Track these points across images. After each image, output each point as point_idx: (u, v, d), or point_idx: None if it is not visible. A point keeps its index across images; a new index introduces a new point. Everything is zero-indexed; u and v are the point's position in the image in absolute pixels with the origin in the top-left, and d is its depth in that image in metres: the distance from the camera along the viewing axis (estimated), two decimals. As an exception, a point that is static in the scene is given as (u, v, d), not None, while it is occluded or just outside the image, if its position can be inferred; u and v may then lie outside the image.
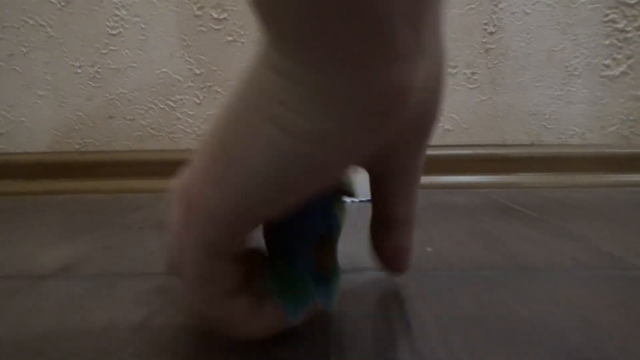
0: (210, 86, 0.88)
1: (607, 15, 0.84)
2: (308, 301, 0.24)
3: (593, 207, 0.67)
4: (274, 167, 0.17)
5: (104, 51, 0.87)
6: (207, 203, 0.18)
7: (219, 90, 0.88)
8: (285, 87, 0.17)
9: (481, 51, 0.85)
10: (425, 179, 0.85)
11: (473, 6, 0.84)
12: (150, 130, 0.89)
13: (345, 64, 0.15)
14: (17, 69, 0.89)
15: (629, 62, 0.85)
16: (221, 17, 0.86)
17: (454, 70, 0.86)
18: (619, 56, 0.85)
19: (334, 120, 0.16)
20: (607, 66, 0.85)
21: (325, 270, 0.25)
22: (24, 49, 0.88)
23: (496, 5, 0.84)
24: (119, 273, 0.40)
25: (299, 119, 0.16)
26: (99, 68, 0.88)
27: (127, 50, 0.87)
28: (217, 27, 0.86)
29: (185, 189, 0.20)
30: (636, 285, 0.35)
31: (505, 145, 0.87)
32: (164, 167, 0.88)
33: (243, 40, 0.86)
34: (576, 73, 0.85)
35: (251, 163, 0.17)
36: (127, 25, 0.87)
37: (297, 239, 0.25)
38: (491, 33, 0.85)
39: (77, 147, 0.90)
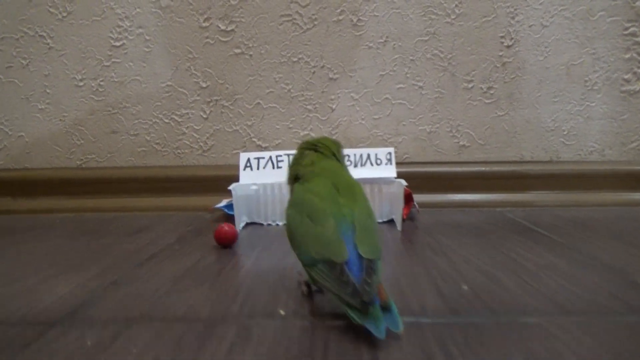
0: (217, 100, 0.85)
1: (627, 28, 0.81)
2: (383, 322, 0.31)
3: (616, 229, 0.64)
4: None
5: (106, 63, 0.84)
6: None
7: (226, 104, 0.85)
8: None
9: (498, 65, 0.82)
10: (439, 197, 0.82)
11: (489, 18, 0.81)
12: (154, 146, 0.86)
13: None
14: (16, 81, 0.85)
15: (649, 76, 0.82)
16: (229, 28, 0.83)
17: (470, 85, 0.83)
18: None
19: None
20: (628, 81, 0.82)
21: (386, 301, 0.32)
22: (23, 61, 0.85)
23: (513, 18, 0.81)
24: (132, 318, 0.36)
25: None
26: (102, 81, 0.85)
27: (130, 63, 0.84)
28: (224, 39, 0.83)
29: None
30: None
31: (522, 162, 0.84)
32: (169, 184, 0.84)
33: (251, 52, 0.83)
34: (595, 88, 0.83)
35: None
36: (130, 37, 0.83)
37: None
38: (508, 46, 0.82)
39: (78, 163, 0.87)
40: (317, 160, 0.43)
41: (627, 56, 0.82)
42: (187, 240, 0.62)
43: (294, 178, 0.44)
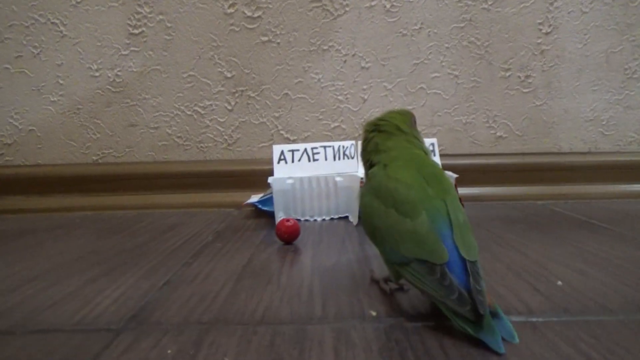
0: (242, 91, 0.80)
1: (667, 14, 0.79)
2: (498, 332, 0.27)
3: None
4: None
5: (124, 52, 0.79)
6: None
7: (253, 95, 0.80)
8: None
9: (536, 53, 0.79)
10: (477, 189, 0.79)
11: (527, 4, 0.78)
12: (176, 139, 0.81)
13: None
14: (27, 71, 0.80)
15: (689, 64, 0.80)
16: (255, 15, 0.78)
17: (507, 74, 0.80)
18: (679, 58, 0.80)
19: None
20: (668, 69, 0.80)
21: (493, 307, 0.29)
22: (33, 50, 0.79)
23: (551, 4, 0.78)
24: (207, 322, 0.32)
25: None
26: (119, 71, 0.80)
27: (150, 52, 0.79)
28: (250, 26, 0.79)
29: None
30: None
31: (560, 154, 0.82)
32: (192, 179, 0.80)
33: (279, 40, 0.79)
34: (635, 76, 0.80)
35: None
36: (150, 24, 0.79)
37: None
38: (546, 33, 0.79)
39: (94, 158, 0.81)
40: (381, 142, 0.38)
41: (667, 43, 0.80)
42: (227, 238, 0.58)
43: (369, 165, 0.40)
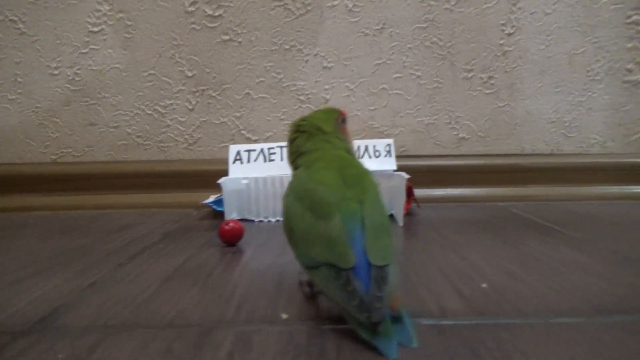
0: (203, 90, 0.79)
1: (630, 16, 0.79)
2: (394, 338, 0.27)
3: (627, 222, 0.61)
4: None
5: (83, 50, 0.78)
6: None
7: (214, 94, 0.80)
8: None
9: (498, 54, 0.79)
10: (439, 191, 0.78)
11: (490, 5, 0.78)
12: (136, 139, 0.80)
13: None
14: (-16, 69, 0.79)
15: (652, 66, 0.80)
16: (216, 13, 0.78)
17: (470, 75, 0.79)
18: (642, 60, 0.80)
19: None
20: (630, 71, 0.80)
21: (397, 312, 0.29)
22: (-8, 48, 0.78)
23: (514, 5, 0.78)
24: (113, 326, 0.31)
25: None
26: (78, 69, 0.79)
27: (110, 50, 0.78)
28: (211, 24, 0.78)
29: None
30: None
31: (523, 155, 0.81)
32: (153, 179, 0.79)
33: (240, 39, 0.78)
34: (598, 78, 0.80)
35: None
36: (110, 22, 0.78)
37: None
38: (509, 34, 0.79)
39: (53, 157, 0.81)
40: (302, 143, 0.38)
41: (629, 45, 0.79)
42: (174, 239, 0.57)
43: (294, 167, 0.39)
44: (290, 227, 0.34)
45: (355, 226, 0.30)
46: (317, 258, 0.30)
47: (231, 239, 0.52)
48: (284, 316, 0.33)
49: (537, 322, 0.31)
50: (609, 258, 0.46)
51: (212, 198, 0.71)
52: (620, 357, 0.26)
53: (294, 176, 0.37)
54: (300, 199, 0.33)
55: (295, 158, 0.38)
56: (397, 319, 0.28)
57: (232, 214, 0.65)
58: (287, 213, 0.34)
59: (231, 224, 0.52)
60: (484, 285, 0.38)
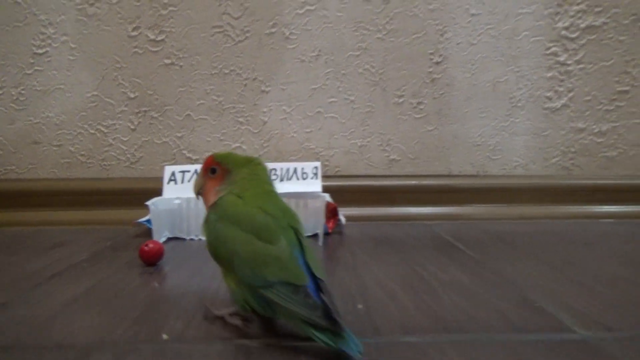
0: (146, 111, 0.83)
1: (549, 48, 0.85)
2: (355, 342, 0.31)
3: (533, 243, 0.66)
4: None
5: (28, 71, 0.81)
6: None
7: (155, 115, 0.83)
8: None
9: (427, 81, 0.84)
10: (371, 211, 0.83)
11: (419, 35, 0.83)
12: (79, 157, 0.83)
13: None
14: None
15: (570, 95, 0.86)
16: (158, 38, 0.81)
17: (400, 100, 0.84)
18: (561, 89, 0.86)
19: None
20: (549, 98, 0.86)
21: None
22: (-63, 67, 0.80)
23: (442, 35, 0.83)
24: (6, 346, 0.34)
25: None
26: (23, 89, 0.81)
27: (54, 71, 0.81)
28: (154, 49, 0.81)
29: None
30: (566, 352, 0.33)
31: (450, 176, 0.86)
32: (95, 197, 0.82)
33: (182, 63, 0.82)
34: (520, 105, 0.86)
35: None
36: (54, 44, 0.81)
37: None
38: (437, 63, 0.84)
39: (-4, 174, 0.83)
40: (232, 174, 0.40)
41: (549, 75, 0.85)
42: (101, 257, 0.60)
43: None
44: (228, 251, 0.36)
45: (296, 248, 0.35)
46: (270, 278, 0.33)
47: (150, 260, 0.55)
48: (165, 336, 0.36)
49: (385, 341, 0.35)
50: (488, 279, 0.50)
51: (147, 216, 0.74)
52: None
53: (224, 201, 0.39)
54: (236, 223, 0.36)
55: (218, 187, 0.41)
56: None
57: (163, 233, 0.68)
58: (223, 237, 0.37)
59: (150, 245, 0.55)
60: (359, 306, 0.42)
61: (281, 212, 0.37)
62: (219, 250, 0.37)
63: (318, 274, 0.34)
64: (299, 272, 0.33)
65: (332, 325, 0.31)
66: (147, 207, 0.67)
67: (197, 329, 0.37)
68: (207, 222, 0.39)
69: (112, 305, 0.43)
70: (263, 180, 0.41)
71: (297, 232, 0.36)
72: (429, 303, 0.43)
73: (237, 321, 0.38)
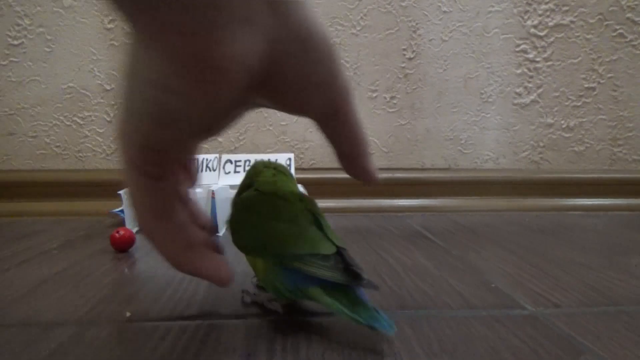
0: (122, 103, 0.83)
1: (518, 45, 0.87)
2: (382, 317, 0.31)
3: (498, 234, 0.68)
4: (148, 104, 0.23)
5: (3, 62, 0.81)
6: (121, 130, 0.25)
7: (132, 107, 0.83)
8: (144, 54, 0.22)
9: (400, 76, 0.86)
10: (345, 202, 0.84)
11: (392, 31, 0.85)
12: (54, 149, 0.83)
13: (167, 36, 0.20)
14: None
15: (539, 91, 0.88)
16: (134, 31, 0.82)
17: (374, 94, 0.86)
18: (530, 85, 0.88)
19: (176, 76, 0.21)
20: (519, 94, 0.88)
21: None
22: None
23: (414, 32, 0.85)
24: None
25: (155, 75, 0.21)
26: (-2, 80, 0.81)
27: (29, 63, 0.81)
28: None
29: (117, 123, 0.26)
30: (515, 324, 0.35)
31: (423, 169, 0.88)
32: (71, 188, 0.82)
33: (158, 56, 0.82)
34: (490, 100, 0.88)
35: (137, 102, 0.23)
36: (30, 36, 0.81)
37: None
38: (410, 59, 0.86)
39: (-30, 165, 0.82)
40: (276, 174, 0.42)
41: (518, 71, 0.88)
42: (72, 245, 0.61)
43: (247, 187, 0.42)
44: (254, 236, 0.37)
45: (314, 226, 0.36)
46: (299, 251, 0.34)
47: (121, 246, 0.56)
48: (128, 314, 0.37)
49: (327, 320, 0.36)
50: (451, 264, 0.52)
51: (121, 207, 0.75)
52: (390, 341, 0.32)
53: (242, 198, 0.40)
54: (258, 211, 0.37)
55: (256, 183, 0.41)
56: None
57: (134, 222, 0.69)
58: (249, 224, 0.37)
59: (121, 232, 0.56)
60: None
61: (297, 198, 0.38)
62: (244, 238, 0.37)
63: (340, 243, 0.35)
64: (326, 242, 0.34)
65: (367, 284, 0.32)
66: (120, 196, 0.67)
67: (161, 308, 0.38)
68: (230, 217, 0.39)
69: (79, 287, 0.44)
70: (281, 179, 0.41)
71: (314, 214, 0.37)
72: (390, 284, 0.44)
73: (276, 306, 0.38)
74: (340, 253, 0.34)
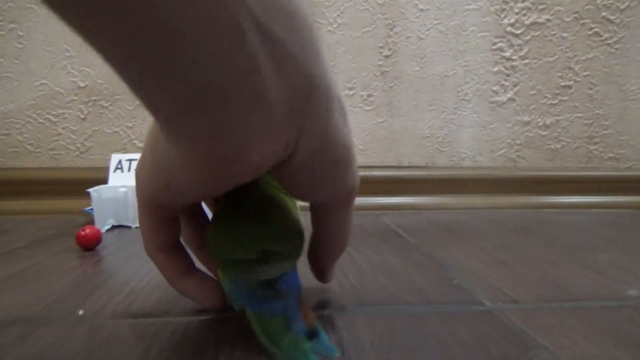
0: (95, 100, 0.82)
1: (495, 43, 0.87)
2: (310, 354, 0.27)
3: (471, 231, 0.69)
4: (162, 173, 0.25)
5: (-26, 59, 0.80)
6: (140, 176, 0.28)
7: (106, 105, 0.82)
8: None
9: (377, 74, 0.86)
10: (322, 200, 0.84)
11: (369, 29, 0.85)
12: (27, 147, 0.82)
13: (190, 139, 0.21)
14: None
15: (516, 89, 0.89)
16: (108, 28, 0.81)
17: (351, 92, 0.86)
18: (507, 83, 0.89)
19: (194, 164, 0.22)
20: (496, 92, 0.88)
21: (311, 324, 0.29)
22: None
23: (391, 29, 0.85)
24: None
25: (174, 151, 0.22)
26: (-32, 77, 0.80)
27: (1, 59, 0.80)
28: (104, 38, 0.81)
29: (138, 163, 0.29)
30: (470, 320, 0.35)
31: (401, 167, 0.88)
32: (42, 186, 0.81)
33: (132, 53, 0.82)
34: (467, 98, 0.88)
35: (155, 161, 0.26)
36: (1, 32, 0.80)
37: (287, 294, 0.30)
38: (387, 56, 0.86)
39: (-60, 163, 0.81)
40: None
41: (495, 69, 0.88)
42: (41, 244, 0.60)
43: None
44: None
45: None
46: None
47: (87, 244, 0.55)
48: (81, 312, 0.36)
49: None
50: (417, 261, 0.52)
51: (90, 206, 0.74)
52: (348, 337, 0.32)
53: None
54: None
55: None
56: (313, 334, 0.28)
57: (107, 221, 0.68)
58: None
59: (87, 230, 0.55)
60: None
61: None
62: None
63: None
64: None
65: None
66: (89, 194, 0.66)
67: (116, 306, 0.38)
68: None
69: (38, 285, 0.43)
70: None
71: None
72: (353, 282, 0.44)
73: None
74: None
